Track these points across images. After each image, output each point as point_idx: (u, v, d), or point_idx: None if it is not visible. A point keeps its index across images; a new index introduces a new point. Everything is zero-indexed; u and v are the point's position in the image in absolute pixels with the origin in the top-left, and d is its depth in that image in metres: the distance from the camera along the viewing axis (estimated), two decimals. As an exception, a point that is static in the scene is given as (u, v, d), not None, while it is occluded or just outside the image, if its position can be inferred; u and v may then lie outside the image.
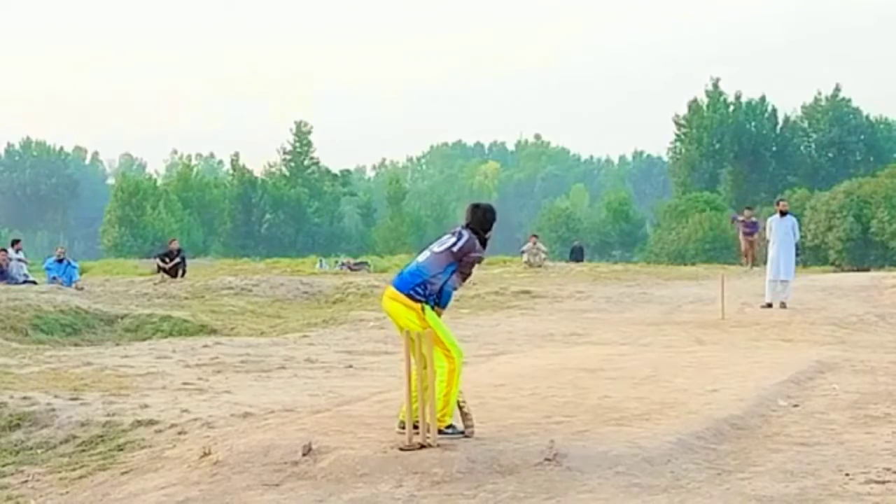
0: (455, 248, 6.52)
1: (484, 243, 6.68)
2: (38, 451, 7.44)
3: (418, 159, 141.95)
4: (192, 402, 8.58)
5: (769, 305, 17.17)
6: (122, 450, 7.20)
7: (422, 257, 6.60)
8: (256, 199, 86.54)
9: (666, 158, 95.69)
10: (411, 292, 6.42)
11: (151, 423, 7.76)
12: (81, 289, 20.45)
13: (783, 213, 17.82)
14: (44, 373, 10.23)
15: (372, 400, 8.11)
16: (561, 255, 49.97)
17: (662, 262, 53.24)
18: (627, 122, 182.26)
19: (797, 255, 18.05)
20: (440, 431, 6.30)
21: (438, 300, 6.49)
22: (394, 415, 6.87)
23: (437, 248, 6.58)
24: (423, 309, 6.41)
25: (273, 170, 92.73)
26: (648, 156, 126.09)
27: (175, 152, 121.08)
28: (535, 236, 31.68)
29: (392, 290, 6.53)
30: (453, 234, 6.66)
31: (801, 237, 21.31)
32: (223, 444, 6.65)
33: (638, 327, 14.84)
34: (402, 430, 6.38)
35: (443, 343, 6.38)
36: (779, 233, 17.46)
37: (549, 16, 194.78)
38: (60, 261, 22.75)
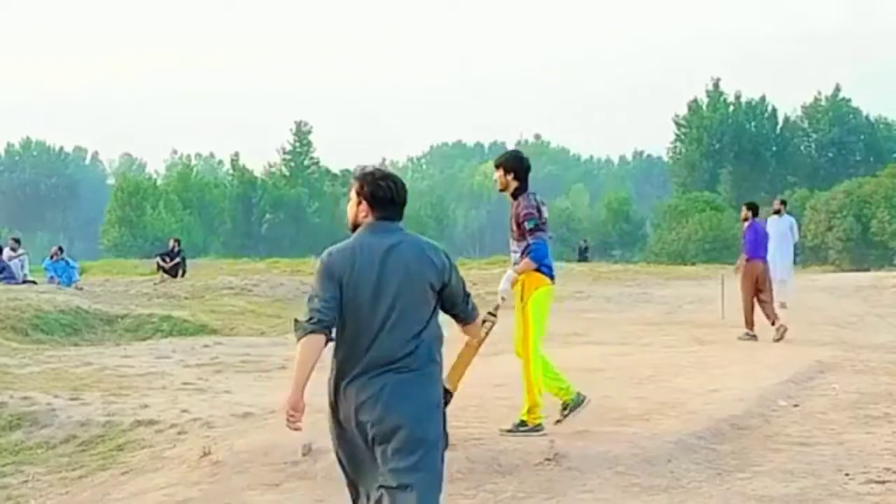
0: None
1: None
2: (38, 451, 7.43)
3: (418, 159, 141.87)
4: (192, 402, 8.58)
5: (769, 305, 17.13)
6: (122, 450, 7.19)
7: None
8: (256, 199, 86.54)
9: (666, 158, 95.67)
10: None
11: (151, 423, 7.76)
12: (81, 289, 20.45)
13: (778, 213, 17.80)
14: (44, 373, 10.22)
15: (372, 400, 8.09)
16: (561, 254, 49.90)
17: (662, 262, 53.21)
18: (627, 122, 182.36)
19: (795, 255, 18.00)
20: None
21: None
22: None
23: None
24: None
25: (273, 170, 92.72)
26: (648, 156, 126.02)
27: (175, 152, 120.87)
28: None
29: None
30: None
31: (801, 237, 21.26)
32: (223, 444, 6.65)
33: (638, 327, 14.83)
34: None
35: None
36: (776, 232, 17.42)
37: (549, 16, 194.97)
38: (57, 261, 22.71)
